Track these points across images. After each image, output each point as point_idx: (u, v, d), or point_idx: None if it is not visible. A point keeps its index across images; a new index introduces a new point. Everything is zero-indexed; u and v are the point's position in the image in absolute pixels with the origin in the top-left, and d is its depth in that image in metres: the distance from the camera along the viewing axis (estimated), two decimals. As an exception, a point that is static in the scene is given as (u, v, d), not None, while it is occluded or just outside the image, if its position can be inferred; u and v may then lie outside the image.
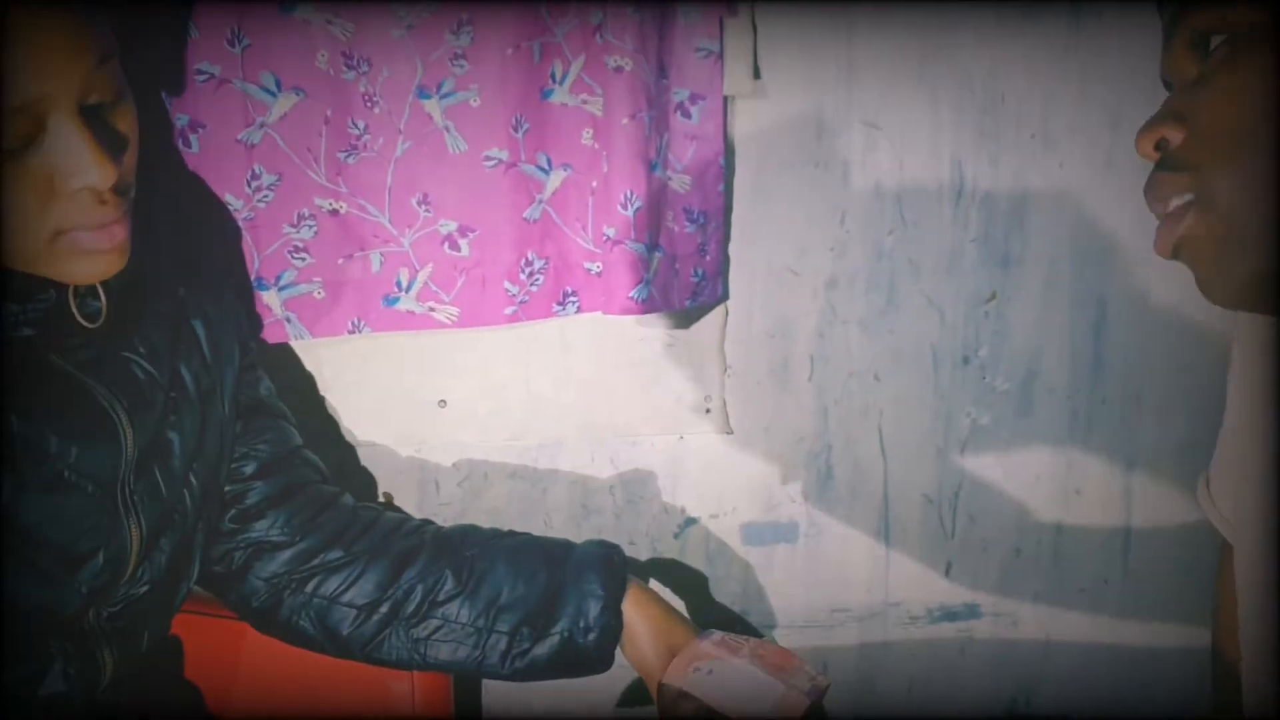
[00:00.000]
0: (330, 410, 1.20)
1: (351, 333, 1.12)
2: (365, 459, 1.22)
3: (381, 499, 1.22)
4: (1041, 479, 1.31)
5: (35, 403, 0.75)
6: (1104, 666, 1.36)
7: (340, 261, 1.10)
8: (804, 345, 1.25)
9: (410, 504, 1.24)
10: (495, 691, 1.29)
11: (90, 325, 0.79)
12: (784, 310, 1.24)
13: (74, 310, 0.78)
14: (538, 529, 1.22)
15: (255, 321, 1.08)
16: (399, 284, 1.12)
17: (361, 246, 1.10)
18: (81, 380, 0.78)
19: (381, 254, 1.10)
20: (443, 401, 1.21)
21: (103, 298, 0.80)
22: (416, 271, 1.11)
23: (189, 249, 1.02)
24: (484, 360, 1.20)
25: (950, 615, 1.34)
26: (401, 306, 1.12)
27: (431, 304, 1.12)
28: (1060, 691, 1.37)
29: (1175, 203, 0.57)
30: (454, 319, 1.13)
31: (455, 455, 1.24)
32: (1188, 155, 0.57)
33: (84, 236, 0.72)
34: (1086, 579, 1.34)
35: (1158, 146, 0.59)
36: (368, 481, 1.23)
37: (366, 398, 1.20)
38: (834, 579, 1.32)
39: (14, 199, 0.68)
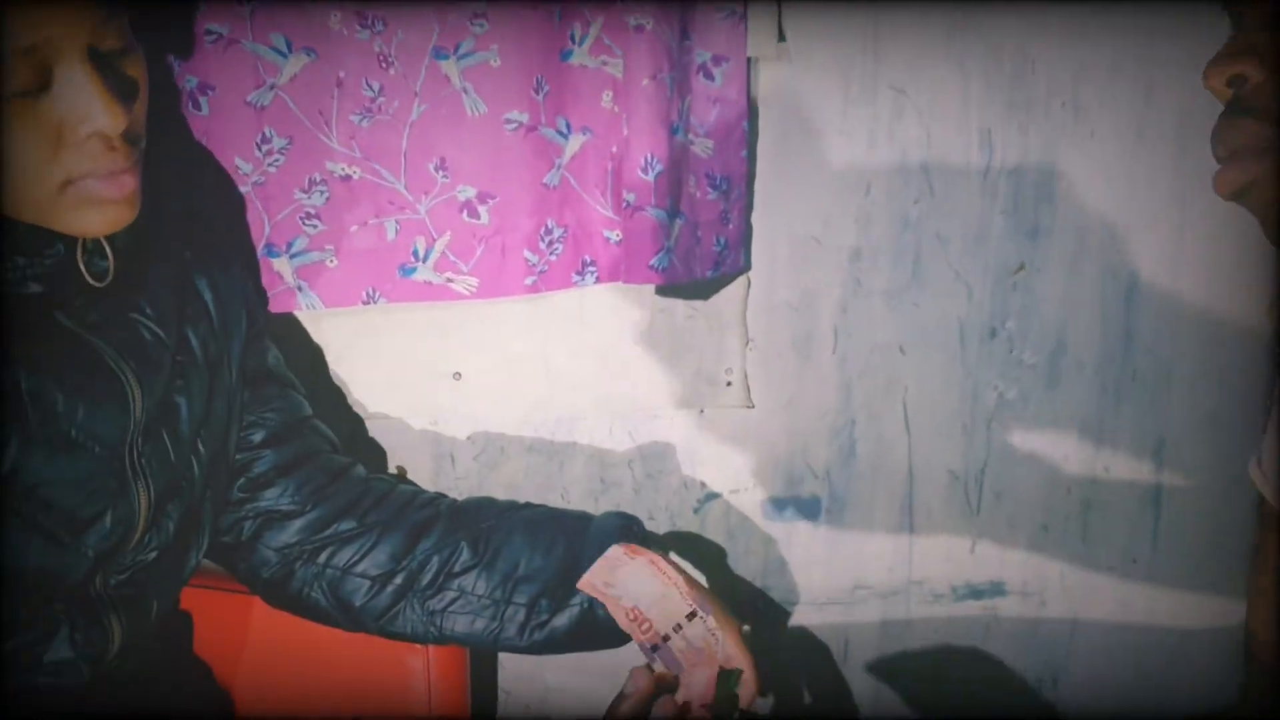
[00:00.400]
0: (341, 382, 1.17)
1: (366, 303, 1.09)
2: (378, 432, 1.20)
3: (395, 472, 1.20)
4: (1069, 455, 1.29)
5: (42, 360, 0.73)
6: (1132, 646, 1.33)
7: (354, 229, 1.07)
8: (827, 318, 1.23)
9: (425, 478, 1.21)
10: (511, 664, 1.27)
11: (98, 284, 0.77)
12: (807, 282, 1.21)
13: (82, 268, 0.76)
14: (555, 504, 1.20)
15: (262, 292, 1.06)
16: (415, 253, 1.09)
17: (376, 213, 1.07)
18: (89, 339, 0.77)
19: (397, 221, 1.08)
20: (458, 374, 1.19)
21: (110, 257, 0.78)
22: (434, 240, 1.09)
23: (196, 216, 0.99)
24: (500, 332, 1.18)
25: (975, 593, 1.32)
26: (419, 276, 1.10)
27: (450, 274, 1.10)
28: (1087, 671, 1.34)
29: (1246, 147, 0.54)
30: (473, 289, 1.11)
31: (471, 428, 1.21)
32: (1267, 100, 0.53)
33: (94, 185, 0.70)
34: (1115, 557, 1.32)
35: (1230, 83, 0.55)
36: (381, 455, 1.21)
37: (380, 369, 1.18)
38: (856, 555, 1.29)
39: (23, 145, 0.67)
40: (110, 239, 0.77)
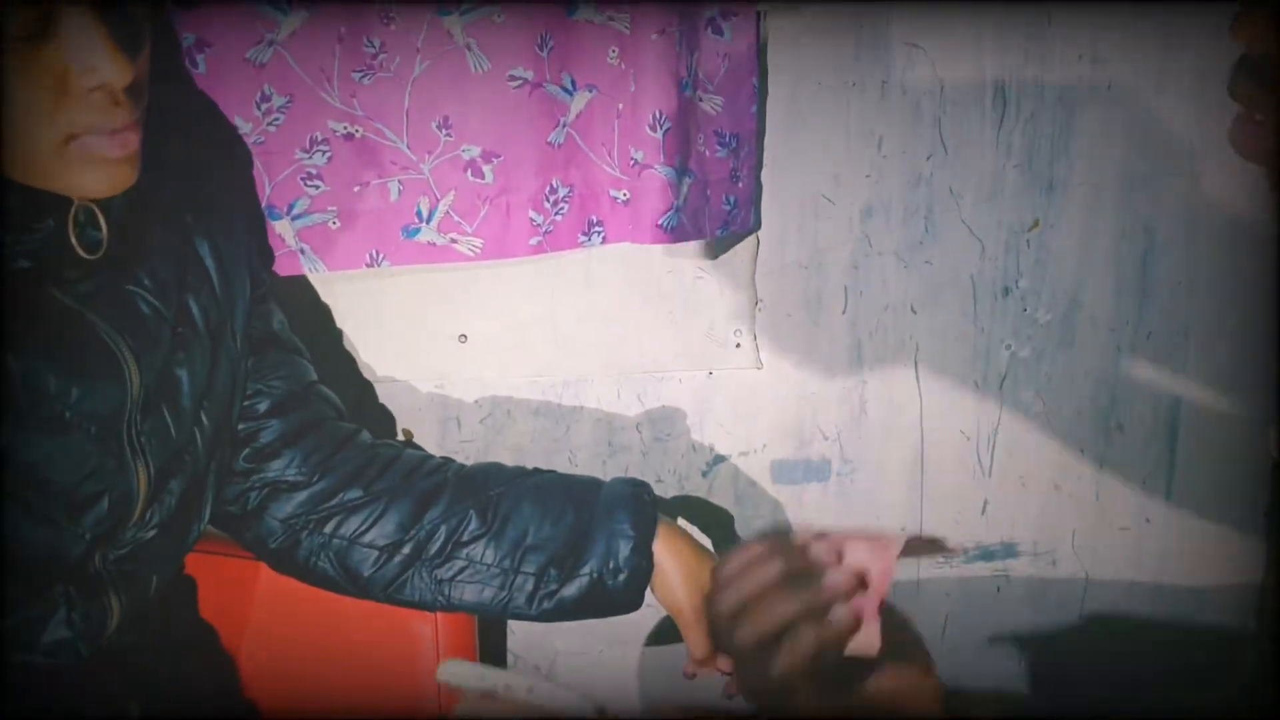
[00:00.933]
0: (347, 345, 1.16)
1: (370, 265, 1.07)
2: (384, 396, 1.18)
3: (401, 436, 1.19)
4: (1083, 414, 1.27)
5: (33, 340, 0.71)
6: (1145, 606, 1.33)
7: (356, 189, 1.05)
8: (838, 277, 1.20)
9: (431, 442, 1.20)
10: (520, 630, 1.27)
11: (90, 256, 0.74)
12: (817, 240, 1.19)
13: (73, 240, 0.73)
14: (562, 467, 1.19)
15: (267, 252, 1.04)
16: (419, 214, 1.07)
17: (379, 173, 1.05)
18: (82, 315, 0.74)
19: (400, 181, 1.05)
20: (463, 336, 1.17)
21: (104, 227, 0.75)
22: (437, 200, 1.06)
23: (197, 175, 0.97)
24: (506, 294, 1.16)
25: (986, 554, 1.31)
26: (422, 238, 1.08)
27: (454, 235, 1.08)
28: (1098, 630, 1.33)
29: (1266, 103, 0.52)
30: (477, 250, 1.08)
31: (477, 392, 1.20)
32: None
33: (96, 142, 0.67)
34: (1128, 517, 1.30)
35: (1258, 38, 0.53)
36: (386, 419, 1.19)
37: (384, 332, 1.16)
38: (866, 518, 1.28)
39: (23, 97, 0.63)
40: (105, 207, 0.74)
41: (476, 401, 1.20)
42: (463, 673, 0.66)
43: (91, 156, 0.67)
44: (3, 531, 0.70)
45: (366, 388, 1.17)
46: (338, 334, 1.15)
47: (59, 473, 0.72)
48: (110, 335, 0.75)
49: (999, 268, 1.22)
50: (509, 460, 1.21)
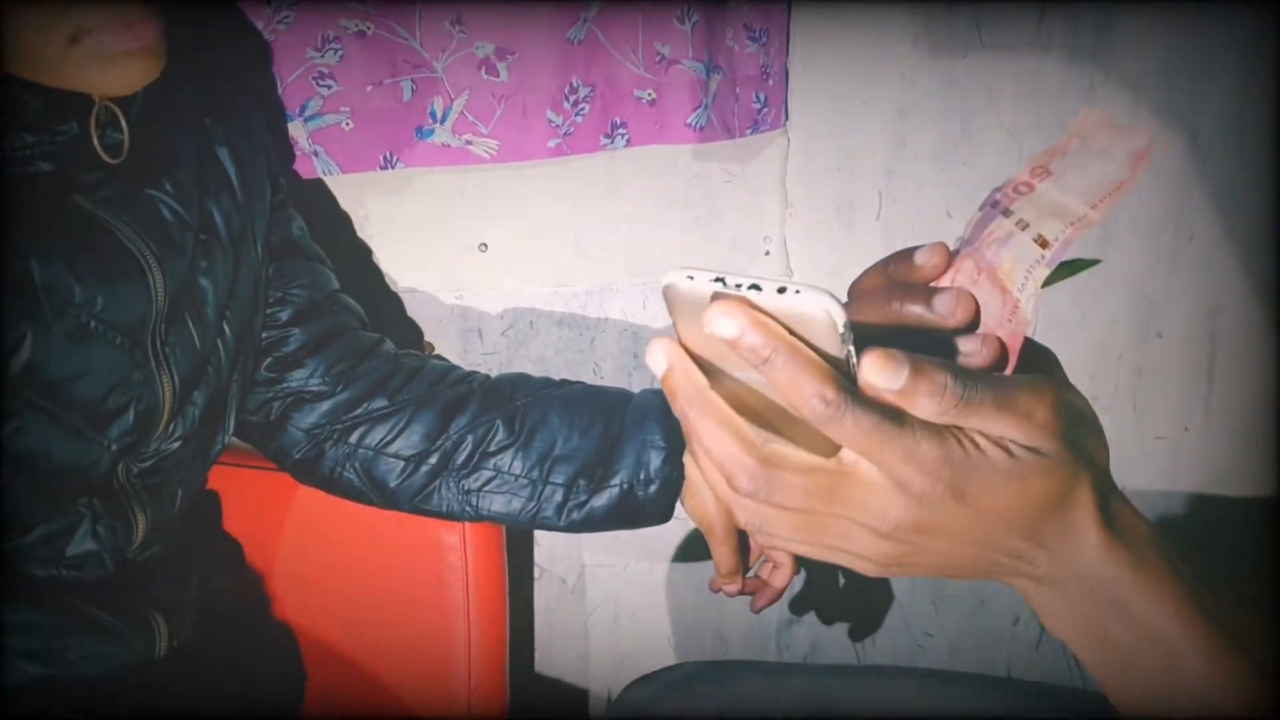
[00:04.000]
0: (364, 253, 1.12)
1: (384, 168, 1.03)
2: (404, 306, 1.15)
3: (425, 350, 1.16)
4: (1120, 320, 1.23)
5: (57, 247, 0.67)
6: (1181, 516, 1.30)
7: (369, 89, 1.01)
8: (871, 180, 1.16)
9: (453, 353, 1.17)
10: (546, 541, 1.25)
11: (112, 160, 0.71)
12: (850, 142, 1.14)
13: (95, 142, 0.69)
14: (587, 379, 1.15)
15: (287, 154, 1.00)
16: (433, 114, 1.03)
17: (392, 72, 1.00)
18: (105, 221, 0.71)
19: (413, 81, 1.01)
20: (484, 245, 1.14)
21: (125, 128, 0.71)
22: (451, 100, 1.02)
23: (214, 76, 0.92)
24: (527, 200, 1.12)
25: (1020, 465, 1.28)
26: (436, 139, 1.04)
27: (468, 136, 1.03)
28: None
29: None
30: (493, 153, 1.04)
31: (499, 302, 1.16)
32: None
33: (109, 37, 0.63)
34: (1166, 426, 1.27)
35: None
36: (411, 330, 1.16)
37: (402, 240, 1.12)
38: (897, 429, 1.25)
39: None
40: (126, 108, 0.71)
41: (498, 313, 1.17)
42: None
43: (105, 54, 0.64)
44: (29, 444, 0.67)
45: (387, 298, 1.14)
46: (354, 242, 1.11)
47: (84, 384, 0.70)
48: (134, 242, 0.72)
49: (1037, 169, 1.17)
50: (533, 371, 1.18)
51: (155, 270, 0.73)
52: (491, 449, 0.91)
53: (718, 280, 0.42)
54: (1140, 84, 1.15)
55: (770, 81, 1.07)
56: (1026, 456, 0.43)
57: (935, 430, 0.42)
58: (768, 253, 1.17)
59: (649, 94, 1.03)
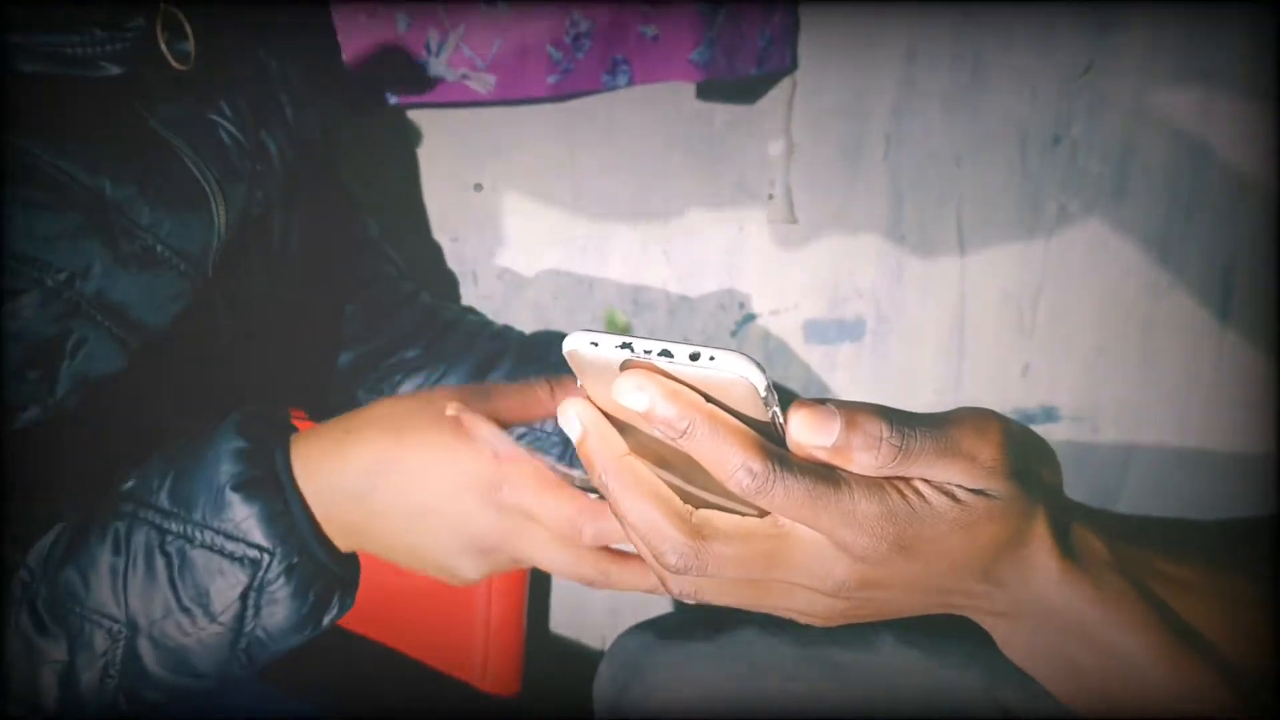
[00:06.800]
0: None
1: (377, 103, 1.00)
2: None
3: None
4: (1132, 271, 1.20)
5: (128, 166, 0.64)
6: (1190, 474, 1.28)
7: (362, 19, 0.97)
8: (879, 123, 1.13)
9: (445, 298, 1.14)
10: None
11: (180, 66, 0.67)
12: (857, 83, 1.11)
13: (164, 47, 0.66)
14: (585, 325, 1.13)
15: (335, 88, 0.96)
16: (428, 47, 0.99)
17: (386, 2, 0.97)
18: (169, 140, 0.68)
19: (408, 13, 0.98)
20: (479, 185, 1.11)
21: (190, 37, 0.68)
22: (447, 33, 0.99)
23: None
24: (523, 139, 1.09)
25: (1025, 419, 1.26)
26: (432, 73, 1.00)
27: (465, 70, 1.00)
28: (1141, 501, 1.29)
29: None
30: (490, 88, 1.01)
31: (494, 245, 1.13)
32: None
33: None
34: (1176, 381, 1.25)
35: None
36: (450, 281, 1.13)
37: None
38: (901, 380, 1.23)
39: None
40: (189, 16, 0.68)
41: (493, 256, 1.14)
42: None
43: None
44: (101, 369, 0.64)
45: (433, 248, 1.11)
46: (403, 189, 1.08)
47: (149, 311, 0.66)
48: (198, 166, 0.69)
49: (1050, 114, 1.14)
50: (528, 319, 1.16)
51: (219, 198, 0.70)
52: None
53: (624, 347, 0.40)
54: (1159, 26, 1.11)
55: (775, 18, 1.03)
56: (974, 501, 0.40)
57: (873, 485, 0.40)
58: (771, 196, 1.14)
59: (652, 30, 1.00)
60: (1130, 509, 1.28)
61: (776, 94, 1.10)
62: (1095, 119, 1.14)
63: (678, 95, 1.08)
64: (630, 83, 1.03)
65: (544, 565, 0.57)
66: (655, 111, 1.09)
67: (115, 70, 0.64)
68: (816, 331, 1.20)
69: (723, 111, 1.10)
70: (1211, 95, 1.14)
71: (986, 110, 1.13)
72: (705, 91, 1.08)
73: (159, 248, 0.66)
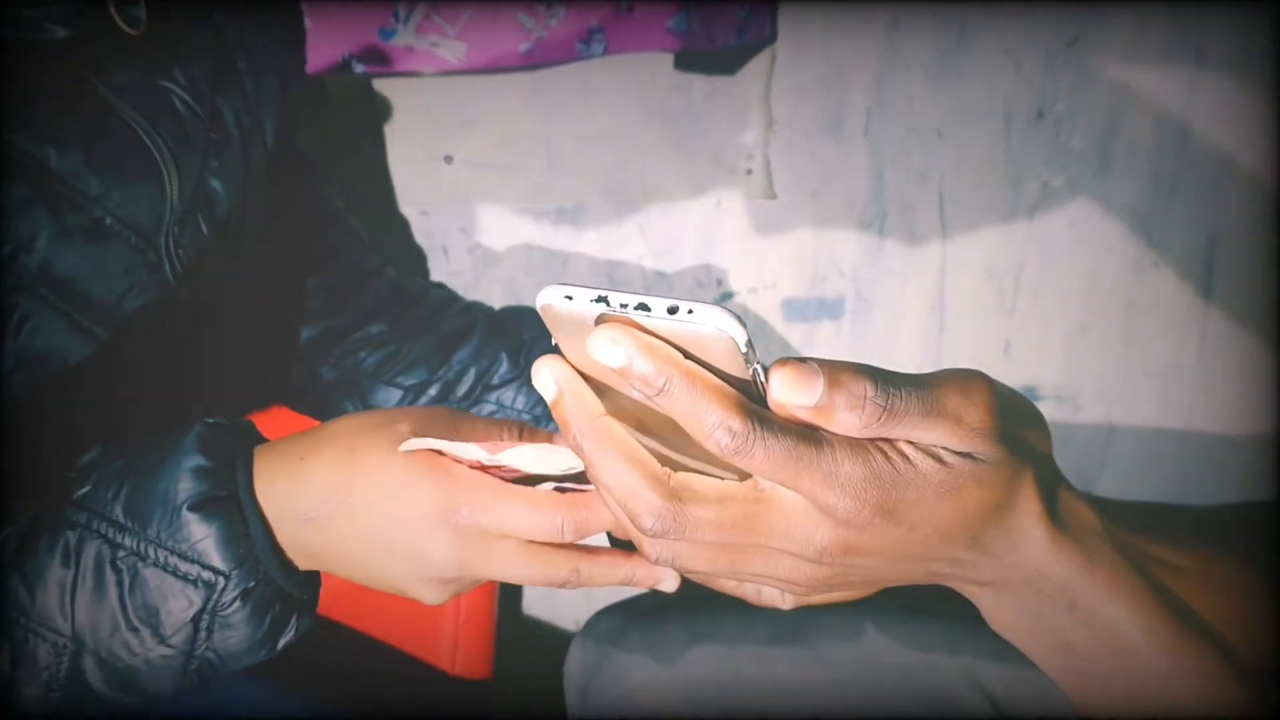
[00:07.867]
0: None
1: (343, 71, 0.97)
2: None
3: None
4: (1116, 249, 1.19)
5: (74, 134, 0.61)
6: (1171, 455, 1.26)
7: (327, -17, 0.94)
8: (860, 95, 1.10)
9: (415, 273, 1.12)
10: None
11: (131, 30, 0.65)
12: (838, 54, 1.08)
13: (112, 9, 0.63)
14: (558, 302, 1.11)
15: (298, 54, 0.92)
16: (396, 14, 0.96)
17: (351, -34, 0.94)
18: (119, 108, 0.65)
19: (375, -24, 0.95)
20: (449, 157, 1.08)
21: (142, 1, 0.66)
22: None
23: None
24: (495, 110, 1.06)
25: (1007, 398, 1.24)
26: (400, 41, 0.97)
27: (434, 38, 0.97)
28: (1121, 482, 1.28)
29: None
30: (460, 57, 0.98)
31: (464, 219, 1.11)
32: None
33: None
34: (1158, 360, 1.23)
35: None
36: (417, 255, 1.10)
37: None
38: (881, 359, 1.20)
39: None
40: None
41: (464, 230, 1.11)
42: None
43: None
44: (48, 344, 0.62)
45: (401, 222, 1.08)
46: (370, 161, 1.05)
47: (99, 283, 0.64)
48: (149, 135, 0.66)
49: (1034, 88, 1.12)
50: (500, 294, 1.13)
51: (171, 167, 0.67)
52: (494, 382, 0.88)
53: (600, 300, 0.38)
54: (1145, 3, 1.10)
55: (756, -15, 1.01)
56: (960, 464, 0.39)
57: (857, 446, 0.38)
58: (749, 171, 1.11)
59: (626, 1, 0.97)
60: (1112, 487, 1.27)
61: (755, 65, 1.07)
62: (1079, 94, 1.12)
63: (655, 65, 1.06)
64: (605, 52, 1.00)
65: (513, 578, 0.55)
66: (632, 81, 1.06)
67: (61, 33, 0.61)
68: (795, 310, 1.18)
69: (701, 83, 1.07)
70: (1198, 74, 1.12)
71: (970, 82, 1.11)
72: (683, 62, 1.05)
73: (107, 219, 0.63)
